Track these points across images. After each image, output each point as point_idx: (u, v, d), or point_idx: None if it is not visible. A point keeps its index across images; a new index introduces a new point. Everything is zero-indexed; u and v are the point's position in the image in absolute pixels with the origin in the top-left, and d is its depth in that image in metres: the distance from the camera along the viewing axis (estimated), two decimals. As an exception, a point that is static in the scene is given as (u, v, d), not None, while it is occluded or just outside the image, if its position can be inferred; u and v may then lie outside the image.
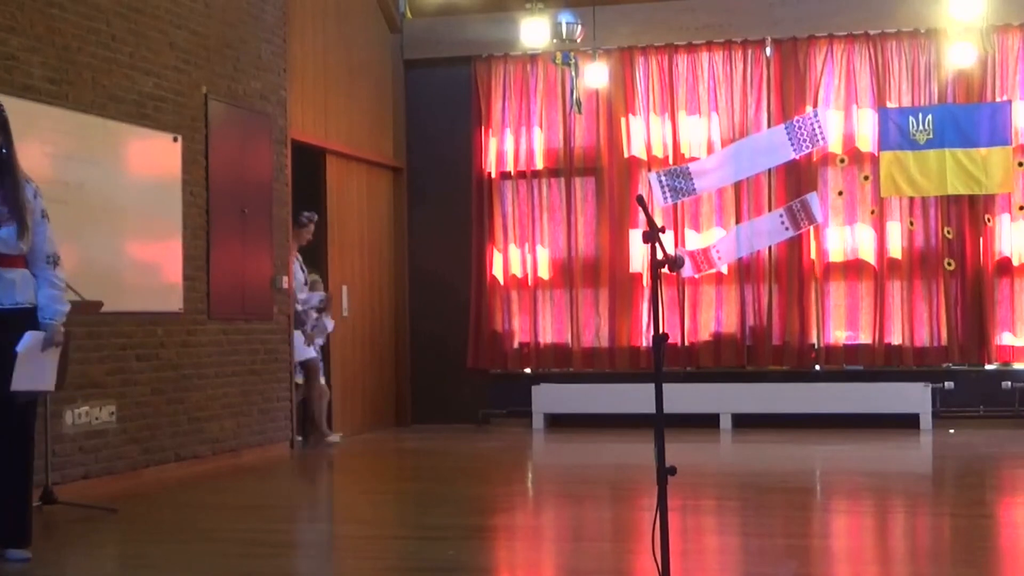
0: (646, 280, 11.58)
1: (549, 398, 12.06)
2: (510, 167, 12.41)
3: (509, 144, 12.41)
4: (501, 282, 12.37)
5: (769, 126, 11.67)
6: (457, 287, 12.42)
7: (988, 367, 11.46)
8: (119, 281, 8.25)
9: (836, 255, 11.72)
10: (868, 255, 11.65)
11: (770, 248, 11.68)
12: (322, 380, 10.83)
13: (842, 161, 11.69)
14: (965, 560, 5.67)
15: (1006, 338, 11.40)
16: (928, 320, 11.52)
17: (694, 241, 11.82)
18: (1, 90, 7.14)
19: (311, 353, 10.65)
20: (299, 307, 10.55)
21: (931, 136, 11.24)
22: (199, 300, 9.16)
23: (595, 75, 11.74)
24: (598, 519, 7.41)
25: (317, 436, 10.69)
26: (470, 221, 12.38)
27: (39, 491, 6.90)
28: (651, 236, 4.46)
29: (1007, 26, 11.28)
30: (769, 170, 11.58)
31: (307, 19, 11.01)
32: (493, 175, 12.45)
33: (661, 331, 4.44)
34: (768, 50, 11.92)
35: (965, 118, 11.23)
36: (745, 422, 11.57)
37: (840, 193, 11.70)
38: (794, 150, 11.01)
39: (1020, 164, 11.33)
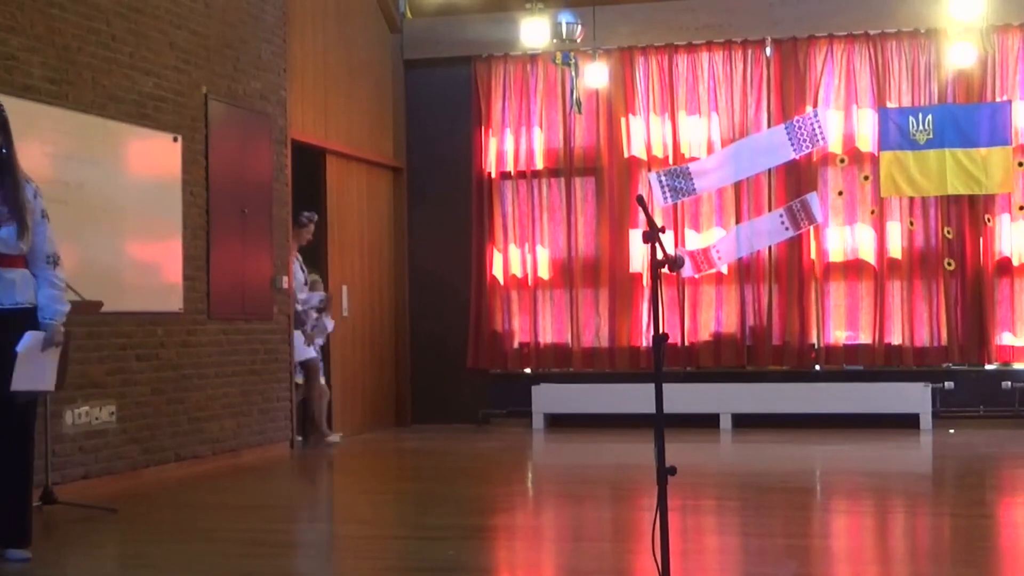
0: (646, 280, 11.58)
1: (549, 398, 12.06)
2: (510, 167, 12.41)
3: (509, 144, 12.41)
4: (501, 282, 12.37)
5: (769, 126, 11.67)
6: (457, 287, 12.42)
7: (988, 367, 11.46)
8: (119, 281, 8.25)
9: (836, 255, 11.72)
10: (868, 255, 11.65)
11: (770, 248, 11.68)
12: (322, 380, 10.83)
13: (842, 161, 11.69)
14: (965, 560, 5.67)
15: (1006, 338, 11.40)
16: (928, 320, 11.52)
17: (694, 241, 11.82)
18: (1, 90, 7.14)
19: (311, 353, 10.65)
20: (299, 307, 10.55)
21: (931, 136, 11.24)
22: (199, 300, 9.16)
23: (595, 75, 11.74)
24: (598, 519, 7.41)
25: (317, 436, 10.68)
26: (470, 221, 12.38)
27: (39, 491, 6.90)
28: (651, 236, 4.46)
29: (1007, 26, 11.28)
30: (769, 170, 11.59)
31: (307, 19, 11.01)
32: (493, 175, 12.45)
33: (661, 331, 4.44)
34: (768, 50, 11.92)
35: (965, 118, 11.23)
36: (745, 422, 11.57)
37: (840, 193, 11.70)
38: (794, 150, 11.01)
39: (1020, 164, 11.33)
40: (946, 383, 11.43)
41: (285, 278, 10.26)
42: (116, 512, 7.04)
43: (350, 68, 11.77)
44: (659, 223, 4.76)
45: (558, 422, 12.06)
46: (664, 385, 4.50)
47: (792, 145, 10.97)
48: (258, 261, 9.91)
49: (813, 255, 11.71)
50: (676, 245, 11.71)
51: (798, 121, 11.05)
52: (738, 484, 8.46)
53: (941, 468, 9.51)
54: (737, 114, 11.88)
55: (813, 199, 11.15)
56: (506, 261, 12.37)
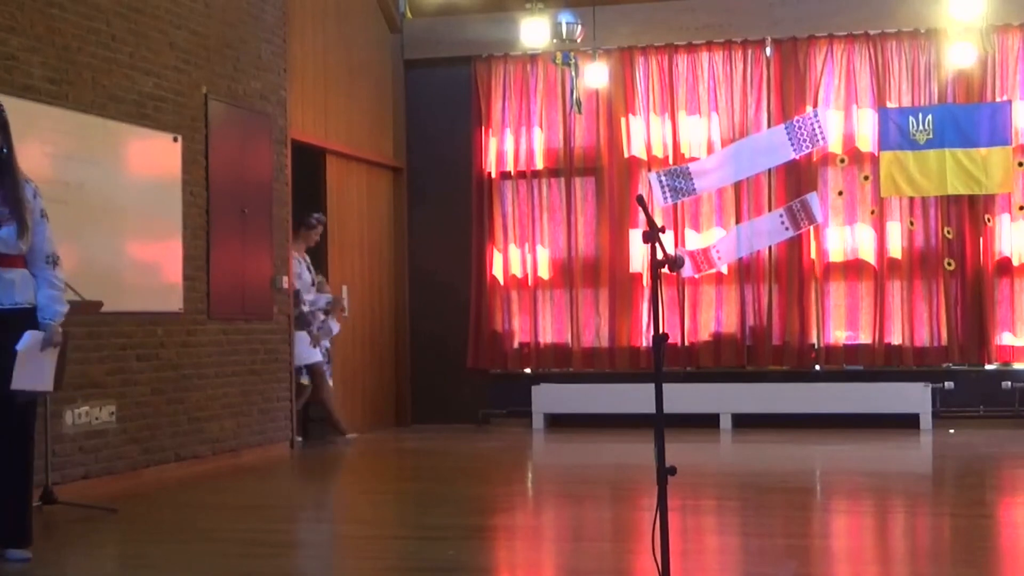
0: (646, 280, 11.58)
1: (549, 398, 12.06)
2: (510, 167, 12.41)
3: (509, 144, 12.41)
4: (501, 282, 12.37)
5: (769, 126, 11.67)
6: (457, 287, 12.41)
7: (988, 367, 11.46)
8: (119, 281, 8.25)
9: (836, 255, 11.72)
10: (868, 255, 11.65)
11: (770, 248, 11.68)
12: (330, 381, 10.84)
13: (842, 161, 11.69)
14: (965, 560, 5.67)
15: (1006, 338, 11.39)
16: (928, 320, 11.51)
17: (694, 241, 11.82)
18: (1, 90, 7.14)
19: (317, 356, 10.65)
20: (304, 308, 10.53)
21: (931, 136, 11.24)
22: (199, 300, 9.16)
23: (595, 75, 11.74)
24: (598, 519, 7.41)
25: (334, 435, 10.75)
26: (470, 221, 12.38)
27: (39, 491, 6.90)
28: (651, 236, 4.46)
29: (1007, 26, 11.28)
30: (769, 170, 11.59)
31: (307, 19, 11.01)
32: (493, 175, 12.45)
33: (661, 331, 4.44)
34: (768, 50, 11.91)
35: (965, 118, 11.23)
36: (745, 422, 11.57)
37: (840, 193, 11.69)
38: (794, 150, 11.02)
39: (1020, 164, 11.33)
40: (946, 383, 11.42)
41: (285, 278, 10.26)
42: (116, 512, 7.04)
43: (350, 68, 11.77)
44: (659, 223, 4.76)
45: (558, 422, 12.06)
46: (664, 385, 4.50)
47: (792, 145, 10.97)
48: (258, 261, 9.91)
49: (813, 255, 11.71)
50: (676, 245, 11.71)
51: (798, 121, 11.06)
52: (738, 484, 8.46)
53: (941, 468, 9.51)
54: (737, 114, 11.88)
55: (813, 199, 11.16)
56: (506, 261, 12.36)
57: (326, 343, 10.85)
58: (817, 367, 11.78)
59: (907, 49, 11.60)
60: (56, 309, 5.87)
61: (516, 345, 12.36)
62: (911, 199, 11.51)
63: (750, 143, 11.36)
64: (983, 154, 11.15)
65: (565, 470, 9.95)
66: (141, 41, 8.59)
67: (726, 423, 11.60)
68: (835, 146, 11.64)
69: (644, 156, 12.06)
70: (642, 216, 4.83)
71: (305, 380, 10.64)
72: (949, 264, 11.43)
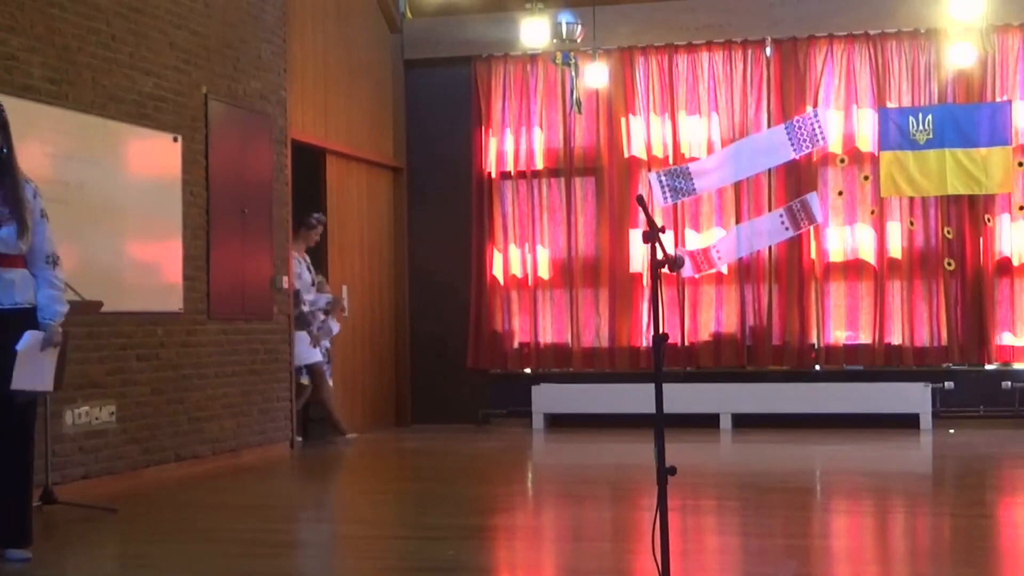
0: (646, 280, 11.58)
1: (549, 398, 12.05)
2: (510, 167, 12.41)
3: (509, 144, 12.41)
4: (501, 282, 12.37)
5: (769, 126, 11.67)
6: (457, 287, 12.41)
7: (988, 367, 11.46)
8: (119, 281, 8.25)
9: (836, 255, 11.72)
10: (868, 255, 11.65)
11: (770, 248, 11.68)
12: (330, 382, 10.84)
13: (842, 161, 11.69)
14: (965, 560, 5.67)
15: (1006, 338, 11.40)
16: (928, 320, 11.51)
17: (694, 241, 11.82)
18: (1, 90, 7.14)
19: (317, 356, 10.65)
20: (304, 308, 10.52)
21: (931, 136, 11.24)
22: (199, 300, 9.16)
23: (595, 75, 11.74)
24: (598, 519, 7.41)
25: (334, 435, 10.74)
26: (470, 221, 12.38)
27: (39, 491, 6.90)
28: (651, 236, 4.46)
29: (1007, 26, 11.28)
30: (769, 170, 11.59)
31: (307, 19, 11.01)
32: (493, 175, 12.45)
33: (661, 331, 4.44)
34: (768, 50, 11.91)
35: (965, 118, 11.23)
36: (745, 422, 11.57)
37: (840, 193, 11.69)
38: (794, 150, 11.02)
39: (1020, 164, 11.33)
40: (946, 383, 11.42)
41: (285, 278, 10.26)
42: (116, 512, 7.04)
43: (350, 68, 11.77)
44: (659, 223, 4.76)
45: (558, 422, 12.06)
46: (664, 385, 4.50)
47: (792, 145, 10.97)
48: (258, 261, 9.91)
49: (813, 255, 11.71)
50: (676, 245, 11.71)
51: (798, 121, 11.06)
52: (738, 484, 8.46)
53: (941, 468, 9.51)
54: (737, 114, 11.88)
55: (813, 199, 11.16)
56: (506, 261, 12.36)
57: (326, 343, 10.85)
58: (817, 367, 11.78)
59: (907, 49, 11.60)
60: (56, 309, 5.87)
61: (516, 345, 12.36)
62: (911, 199, 11.51)
63: (750, 143, 11.36)
64: (983, 154, 11.15)
65: (565, 470, 9.95)
66: (141, 41, 8.59)
67: (726, 423, 11.60)
68: (835, 146, 11.64)
69: (644, 156, 12.05)
70: (642, 216, 4.83)
71: (305, 380, 10.65)
72: (949, 264, 11.43)
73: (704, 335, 11.92)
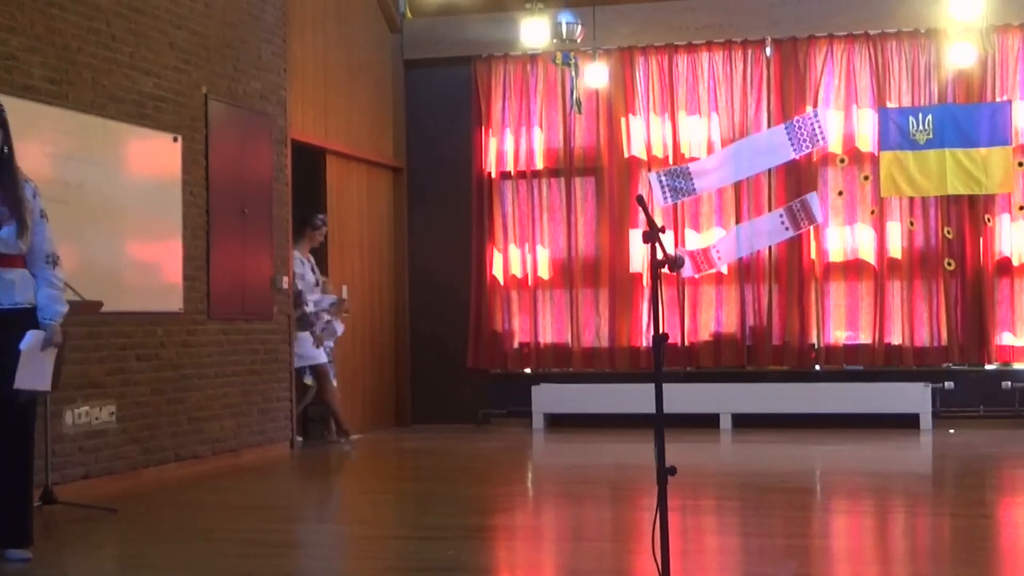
0: (646, 280, 11.58)
1: (549, 398, 12.05)
2: (510, 167, 12.41)
3: (509, 144, 12.41)
4: (501, 282, 12.37)
5: (769, 126, 11.67)
6: (457, 287, 12.41)
7: (988, 367, 11.46)
8: (119, 281, 8.25)
9: (836, 255, 11.72)
10: (868, 255, 11.65)
11: (770, 248, 11.68)
12: (334, 382, 10.84)
13: (842, 161, 11.69)
14: (965, 560, 5.67)
15: (1006, 338, 11.40)
16: (928, 320, 11.51)
17: (694, 241, 11.82)
18: (1, 90, 7.14)
19: (322, 357, 10.64)
20: (308, 309, 10.49)
21: (931, 136, 11.24)
22: (199, 300, 9.16)
23: (595, 75, 11.73)
24: (598, 519, 7.41)
25: (338, 435, 10.75)
26: (470, 221, 12.38)
27: (39, 491, 6.89)
28: (651, 236, 4.46)
29: (1007, 26, 11.28)
30: (769, 170, 11.59)
31: (307, 19, 11.01)
32: (493, 175, 12.45)
33: (661, 331, 4.44)
34: (768, 50, 11.91)
35: (965, 118, 11.23)
36: (745, 422, 11.57)
37: (840, 193, 11.69)
38: (794, 150, 11.02)
39: (1020, 164, 11.33)
40: (946, 383, 11.42)
41: (285, 278, 10.26)
42: (116, 512, 7.04)
43: (350, 68, 11.77)
44: (659, 223, 4.76)
45: (558, 422, 12.06)
46: (664, 385, 4.50)
47: (792, 145, 10.97)
48: (258, 261, 9.91)
49: (813, 255, 11.71)
50: (676, 245, 11.71)
51: (798, 121, 11.06)
52: (738, 484, 8.46)
53: (941, 468, 9.51)
54: (737, 114, 11.88)
55: (813, 199, 11.16)
56: (506, 261, 12.36)
57: (330, 343, 10.85)
58: (817, 367, 11.78)
59: (907, 49, 11.60)
60: (56, 309, 5.87)
61: (516, 345, 12.36)
62: (911, 199, 11.51)
63: (750, 143, 11.36)
64: (983, 154, 11.15)
65: (565, 470, 9.95)
66: (141, 41, 8.59)
67: (726, 423, 11.60)
68: (835, 146, 11.64)
69: (644, 156, 12.05)
70: (642, 216, 4.83)
71: (309, 380, 10.65)
72: (949, 264, 11.43)
73: (704, 335, 11.92)
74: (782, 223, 11.18)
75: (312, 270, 10.75)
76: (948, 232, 11.46)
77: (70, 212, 7.60)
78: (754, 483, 8.44)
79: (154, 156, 8.77)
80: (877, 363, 11.58)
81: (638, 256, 11.92)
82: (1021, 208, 11.36)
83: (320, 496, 8.70)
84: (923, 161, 11.25)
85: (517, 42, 11.74)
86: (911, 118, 11.32)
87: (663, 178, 11.08)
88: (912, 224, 11.55)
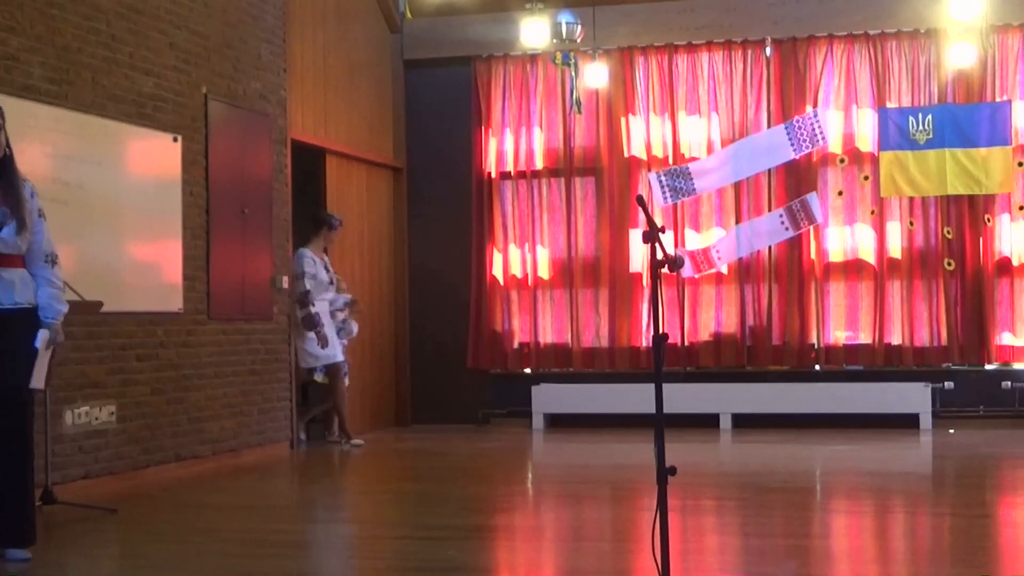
0: (646, 280, 11.58)
1: (549, 398, 12.06)
2: (510, 167, 12.41)
3: (509, 144, 12.41)
4: (501, 282, 12.37)
5: (769, 126, 11.67)
6: (457, 287, 12.41)
7: (988, 367, 11.46)
8: (119, 281, 8.25)
9: (836, 255, 11.72)
10: (868, 255, 11.65)
11: (770, 248, 11.68)
12: (346, 381, 10.82)
13: (842, 161, 11.69)
14: (965, 560, 5.66)
15: (1006, 338, 11.40)
16: (928, 320, 11.52)
17: (694, 241, 11.82)
18: (1, 90, 7.15)
19: (339, 356, 10.63)
20: (313, 309, 10.44)
21: (931, 136, 11.24)
22: (199, 300, 9.16)
23: (595, 75, 11.74)
24: (598, 519, 7.41)
25: (340, 436, 10.74)
26: (470, 221, 12.38)
27: (39, 491, 6.89)
28: (651, 236, 4.46)
29: (1007, 26, 11.28)
30: (769, 170, 11.59)
31: (307, 19, 11.01)
32: (493, 175, 12.45)
33: (661, 331, 4.44)
34: (768, 50, 11.92)
35: (965, 118, 11.22)
36: (745, 422, 11.57)
37: (840, 193, 11.70)
38: (794, 150, 11.01)
39: (1020, 164, 11.33)
40: (946, 383, 11.42)
41: (285, 278, 10.26)
42: (116, 512, 7.04)
43: (350, 68, 11.77)
44: (659, 223, 4.76)
45: (558, 422, 12.06)
46: (664, 385, 4.50)
47: (792, 145, 10.97)
48: (258, 261, 9.91)
49: (813, 255, 11.71)
50: (676, 245, 11.71)
51: (798, 121, 11.06)
52: (738, 484, 8.45)
53: (941, 468, 9.51)
54: (737, 114, 11.88)
55: (813, 199, 11.16)
56: (506, 261, 12.37)
57: (344, 342, 10.86)
58: (817, 367, 11.78)
59: (907, 49, 11.61)
60: (58, 308, 5.88)
61: (516, 345, 12.37)
62: (911, 199, 11.51)
63: (750, 143, 11.36)
64: (983, 154, 11.15)
65: (565, 470, 9.95)
66: (141, 41, 8.59)
67: (726, 423, 11.60)
68: (835, 146, 11.64)
69: (644, 156, 12.06)
70: (642, 216, 4.83)
71: (319, 377, 10.64)
72: (949, 264, 11.43)
73: (704, 335, 11.92)
74: (782, 223, 11.18)
75: (326, 269, 10.72)
76: (948, 232, 11.46)
77: (70, 212, 7.61)
78: (754, 483, 8.44)
79: (154, 156, 8.77)
80: (877, 363, 11.59)
81: (638, 256, 11.92)
82: (1021, 208, 11.36)
83: (320, 496, 8.69)
84: (923, 161, 11.25)
85: (517, 42, 11.73)
86: (911, 118, 11.32)
87: (663, 178, 11.07)
88: (912, 224, 11.55)
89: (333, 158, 11.43)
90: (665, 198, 11.07)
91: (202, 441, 9.10)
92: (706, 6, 11.96)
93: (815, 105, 11.57)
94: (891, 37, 11.62)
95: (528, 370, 12.37)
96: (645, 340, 11.89)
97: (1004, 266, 11.38)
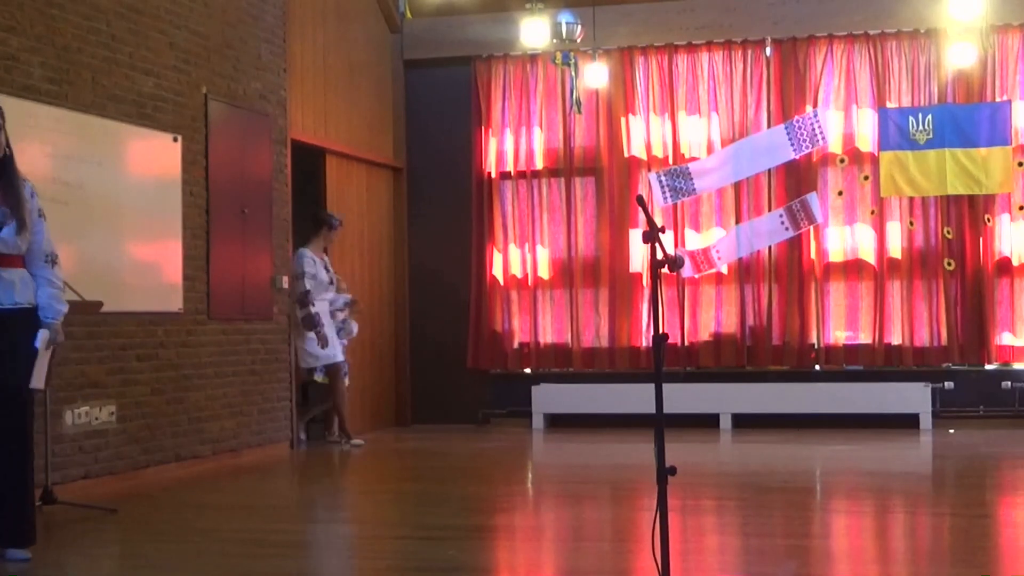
0: (646, 280, 11.58)
1: (549, 398, 12.06)
2: (510, 167, 12.41)
3: (509, 144, 12.41)
4: (501, 282, 12.37)
5: (769, 126, 11.67)
6: (457, 287, 12.42)
7: (988, 367, 11.46)
8: (119, 281, 8.25)
9: (836, 255, 11.72)
10: (868, 255, 11.65)
11: (770, 248, 11.68)
12: (347, 381, 10.82)
13: (842, 161, 11.69)
14: (965, 560, 5.67)
15: (1006, 338, 11.40)
16: (928, 320, 11.52)
17: (694, 241, 11.82)
18: (1, 90, 7.15)
19: (339, 356, 10.63)
20: (313, 309, 10.45)
21: (931, 136, 11.24)
22: (199, 300, 9.16)
23: (595, 75, 11.73)
24: (598, 519, 7.41)
25: (340, 435, 10.73)
26: (470, 221, 12.38)
27: (39, 491, 6.89)
28: (651, 236, 4.46)
29: (1007, 26, 11.28)
30: (769, 170, 11.59)
31: (307, 19, 11.01)
32: (493, 175, 12.45)
33: (661, 331, 4.44)
34: (768, 50, 11.92)
35: (965, 118, 11.22)
36: (745, 422, 11.57)
37: (840, 193, 11.70)
38: (794, 150, 11.02)
39: (1020, 164, 11.33)
40: (946, 383, 11.43)
41: (285, 278, 10.26)
42: (116, 512, 7.04)
43: (350, 68, 11.77)
44: (659, 223, 4.76)
45: (558, 422, 12.06)
46: (664, 385, 4.50)
47: (792, 145, 10.97)
48: (258, 261, 9.92)
49: (813, 255, 11.71)
50: (676, 245, 11.71)
51: (798, 121, 11.06)
52: (738, 484, 8.45)
53: (941, 468, 9.51)
54: (737, 114, 11.88)
55: (813, 199, 11.16)
56: (506, 261, 12.37)
57: (344, 341, 10.87)
58: (817, 367, 11.78)
59: (907, 49, 11.61)
60: (58, 308, 5.88)
61: (516, 345, 12.37)
62: (911, 199, 11.51)
63: (750, 143, 11.36)
64: (983, 154, 11.15)
65: (565, 470, 9.95)
66: (141, 41, 8.59)
67: (726, 423, 11.60)
68: (835, 146, 11.64)
69: (644, 156, 12.06)
70: (642, 216, 4.83)
71: (319, 377, 10.64)
72: (949, 264, 11.43)
73: (704, 335, 11.92)
74: (782, 223, 11.18)
75: (326, 269, 10.72)
76: (948, 232, 11.46)
77: (70, 212, 7.61)
78: (754, 483, 8.44)
79: (154, 156, 8.77)
80: (877, 363, 11.59)
81: (638, 256, 11.92)
82: (1021, 208, 11.36)
83: (320, 496, 8.69)
84: (923, 161, 11.25)
85: (517, 42, 11.73)
86: (911, 118, 11.32)
87: (663, 178, 11.08)
88: (912, 224, 11.55)
89: (333, 158, 11.43)
90: (665, 198, 11.07)
91: (202, 441, 9.10)
92: (706, 6, 11.96)
93: (815, 105, 11.57)
94: (891, 37, 11.62)
95: (528, 370, 12.37)
96: (645, 340, 11.89)
97: (1004, 266, 11.38)
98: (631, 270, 12.04)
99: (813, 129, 10.94)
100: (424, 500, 7.94)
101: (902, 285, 11.56)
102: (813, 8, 11.74)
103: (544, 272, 12.30)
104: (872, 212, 11.60)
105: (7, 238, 5.69)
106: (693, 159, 11.68)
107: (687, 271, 11.38)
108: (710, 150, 11.80)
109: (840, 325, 11.74)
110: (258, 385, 9.82)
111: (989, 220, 11.37)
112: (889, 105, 11.50)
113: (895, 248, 11.57)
